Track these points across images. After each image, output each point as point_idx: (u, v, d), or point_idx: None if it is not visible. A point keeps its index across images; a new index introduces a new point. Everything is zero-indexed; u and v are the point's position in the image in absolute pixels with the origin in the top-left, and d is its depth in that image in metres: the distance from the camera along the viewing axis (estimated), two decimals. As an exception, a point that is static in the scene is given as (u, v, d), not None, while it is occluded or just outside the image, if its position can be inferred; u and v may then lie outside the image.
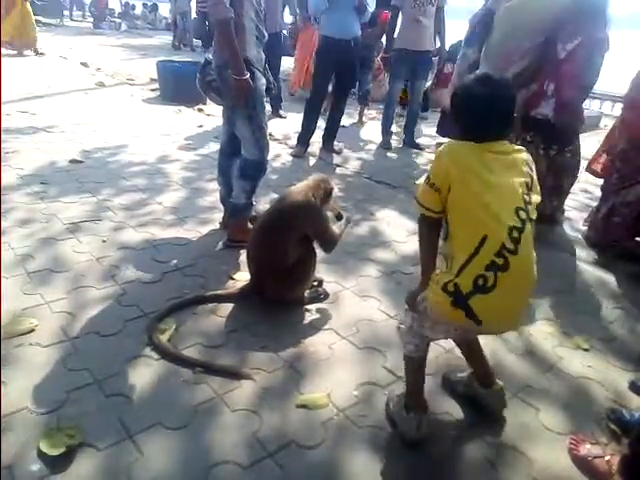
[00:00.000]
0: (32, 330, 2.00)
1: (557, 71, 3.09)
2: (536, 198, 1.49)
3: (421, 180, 1.56)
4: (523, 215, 1.43)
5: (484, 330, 1.61)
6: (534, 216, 1.47)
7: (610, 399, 1.93)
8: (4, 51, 8.31)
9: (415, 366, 1.67)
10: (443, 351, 2.07)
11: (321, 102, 4.87)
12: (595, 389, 1.98)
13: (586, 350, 2.21)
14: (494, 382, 1.77)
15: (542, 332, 2.28)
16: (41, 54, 9.50)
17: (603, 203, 3.32)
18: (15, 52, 9.18)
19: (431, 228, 1.55)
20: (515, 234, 1.40)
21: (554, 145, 3.17)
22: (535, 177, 1.51)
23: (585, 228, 3.46)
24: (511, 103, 1.51)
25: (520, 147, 1.56)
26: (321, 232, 2.27)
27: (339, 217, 2.51)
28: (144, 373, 1.84)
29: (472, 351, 1.78)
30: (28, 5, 9.38)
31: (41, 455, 1.48)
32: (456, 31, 5.71)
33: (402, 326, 1.67)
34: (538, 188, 1.52)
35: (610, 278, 2.90)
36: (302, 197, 2.24)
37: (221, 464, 1.51)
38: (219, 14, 2.42)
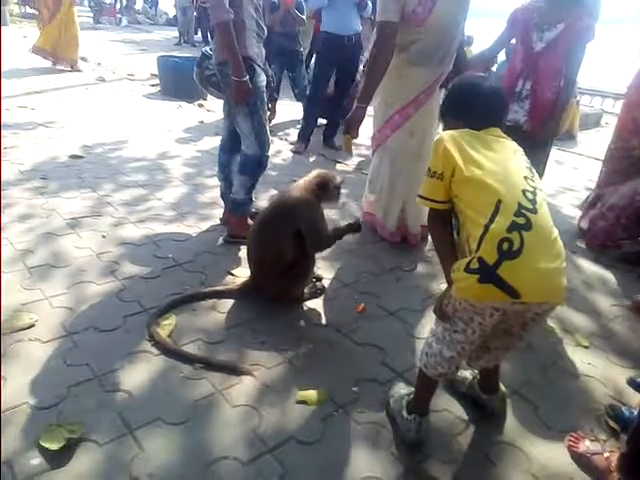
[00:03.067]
0: (32, 325, 2.00)
1: (534, 67, 2.68)
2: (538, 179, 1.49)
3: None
4: (532, 183, 1.41)
5: (525, 308, 1.38)
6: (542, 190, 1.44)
7: (609, 396, 1.93)
8: (44, 62, 7.73)
9: (432, 385, 1.61)
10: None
11: (322, 98, 4.85)
12: (594, 386, 1.98)
13: (586, 347, 2.22)
14: (498, 390, 1.76)
15: (542, 329, 2.27)
16: (78, 70, 7.82)
17: (592, 192, 3.47)
18: (50, 64, 7.77)
19: (442, 222, 1.51)
20: (530, 195, 1.37)
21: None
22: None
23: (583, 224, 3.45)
24: (504, 92, 1.75)
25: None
26: (311, 230, 2.21)
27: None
28: (144, 368, 1.85)
29: (489, 372, 1.73)
30: (74, 11, 7.66)
31: (41, 450, 1.48)
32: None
33: (433, 345, 1.53)
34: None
35: (610, 276, 2.90)
36: (299, 193, 2.23)
37: (221, 459, 1.52)
38: (219, 17, 2.40)
